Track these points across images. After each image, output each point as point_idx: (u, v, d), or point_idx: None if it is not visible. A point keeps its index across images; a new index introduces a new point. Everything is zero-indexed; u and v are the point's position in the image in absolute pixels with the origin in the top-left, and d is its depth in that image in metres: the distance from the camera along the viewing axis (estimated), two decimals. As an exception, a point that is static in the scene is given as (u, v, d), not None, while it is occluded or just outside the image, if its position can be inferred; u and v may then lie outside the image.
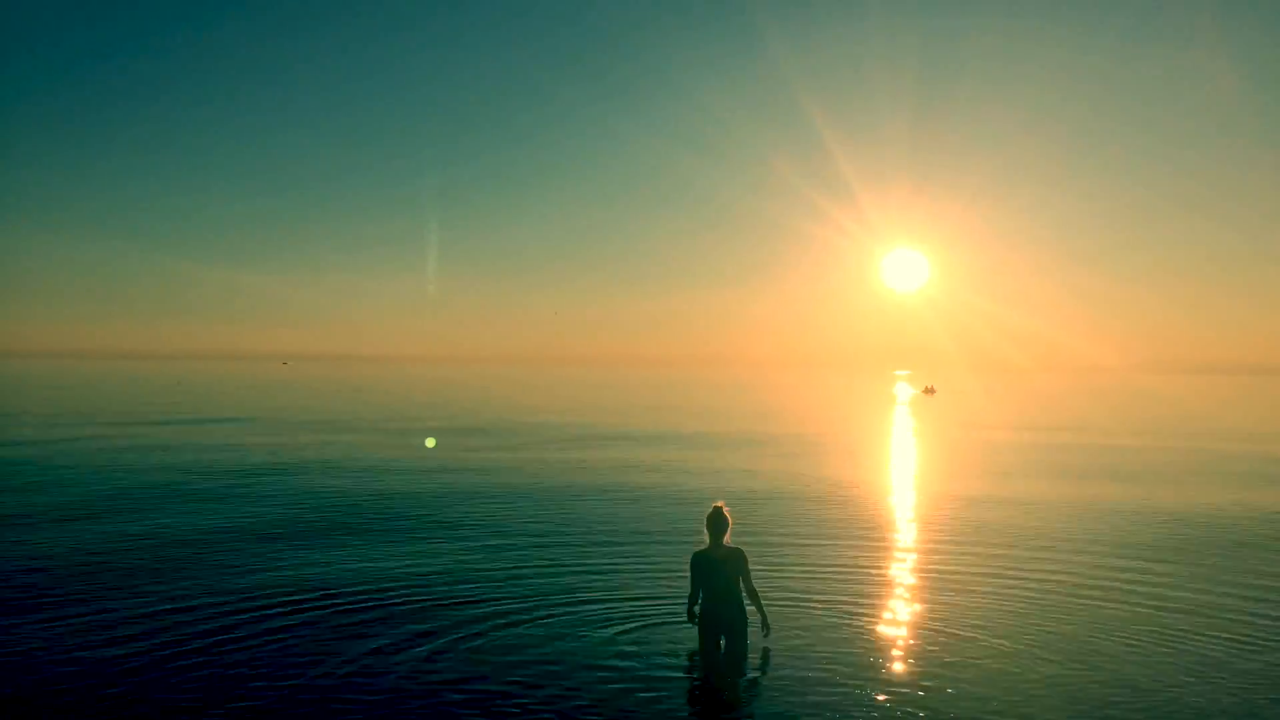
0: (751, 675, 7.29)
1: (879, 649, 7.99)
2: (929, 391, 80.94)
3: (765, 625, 7.65)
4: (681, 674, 7.34)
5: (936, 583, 10.45)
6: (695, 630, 7.69)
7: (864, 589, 10.12)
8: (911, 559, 11.85)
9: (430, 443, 27.99)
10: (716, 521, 7.44)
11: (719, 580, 7.35)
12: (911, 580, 10.63)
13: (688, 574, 7.65)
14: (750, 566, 7.62)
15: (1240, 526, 14.36)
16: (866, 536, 13.35)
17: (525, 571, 10.78)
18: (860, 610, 9.22)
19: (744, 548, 7.72)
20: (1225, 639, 8.27)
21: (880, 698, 6.83)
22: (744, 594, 7.55)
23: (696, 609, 7.59)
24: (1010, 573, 10.91)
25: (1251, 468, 23.65)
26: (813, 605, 9.34)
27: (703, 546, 7.56)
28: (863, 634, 8.43)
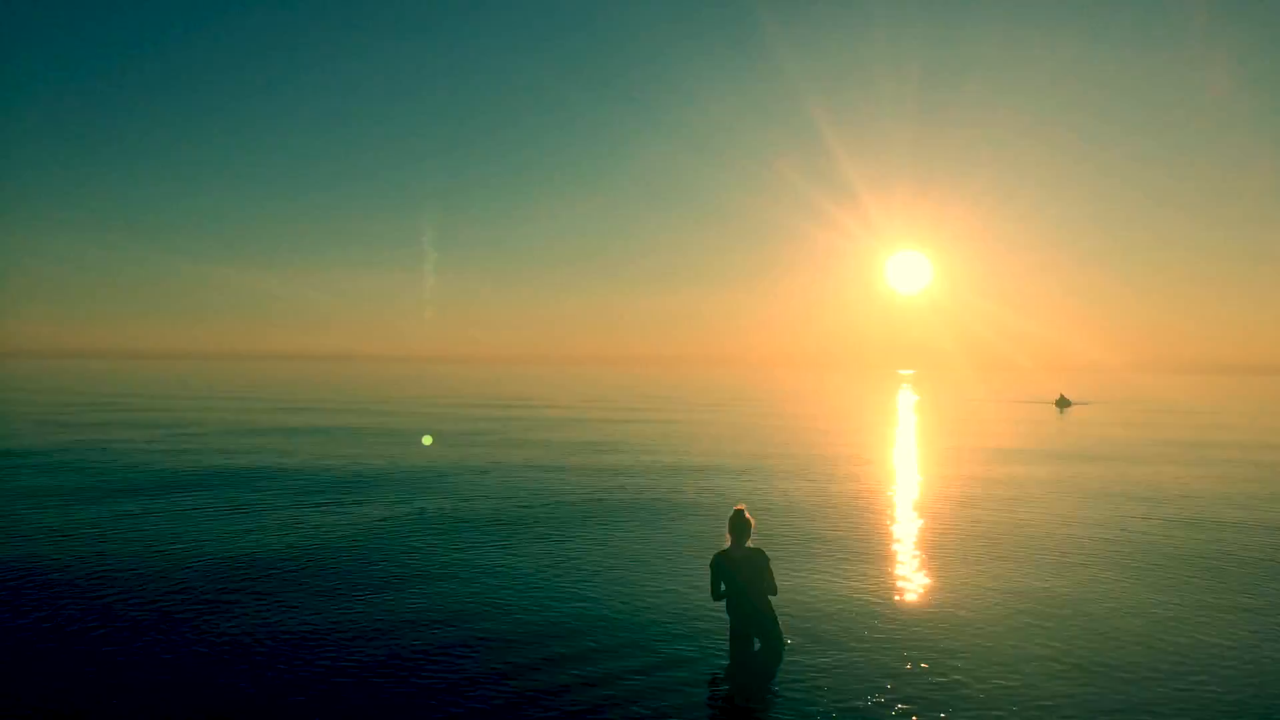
0: (785, 677, 7.03)
1: (926, 655, 7.68)
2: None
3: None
4: (711, 676, 7.09)
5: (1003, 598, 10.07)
6: (727, 632, 7.75)
7: (926, 597, 9.80)
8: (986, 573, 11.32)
9: (427, 440, 27.89)
10: (736, 524, 7.59)
11: (739, 582, 7.47)
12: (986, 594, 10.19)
13: (708, 575, 7.77)
14: (774, 569, 7.71)
15: None
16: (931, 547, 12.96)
17: (551, 566, 10.56)
18: (915, 618, 8.91)
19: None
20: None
21: (920, 704, 6.55)
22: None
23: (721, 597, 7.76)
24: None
25: None
26: (872, 610, 9.09)
27: (724, 548, 7.78)
28: (911, 640, 8.12)
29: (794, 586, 9.57)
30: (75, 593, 9.32)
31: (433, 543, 11.96)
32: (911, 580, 10.24)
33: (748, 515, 7.65)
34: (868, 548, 12.03)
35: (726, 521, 7.75)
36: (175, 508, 14.46)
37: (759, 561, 7.53)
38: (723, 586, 7.58)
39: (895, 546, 12.19)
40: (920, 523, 14.12)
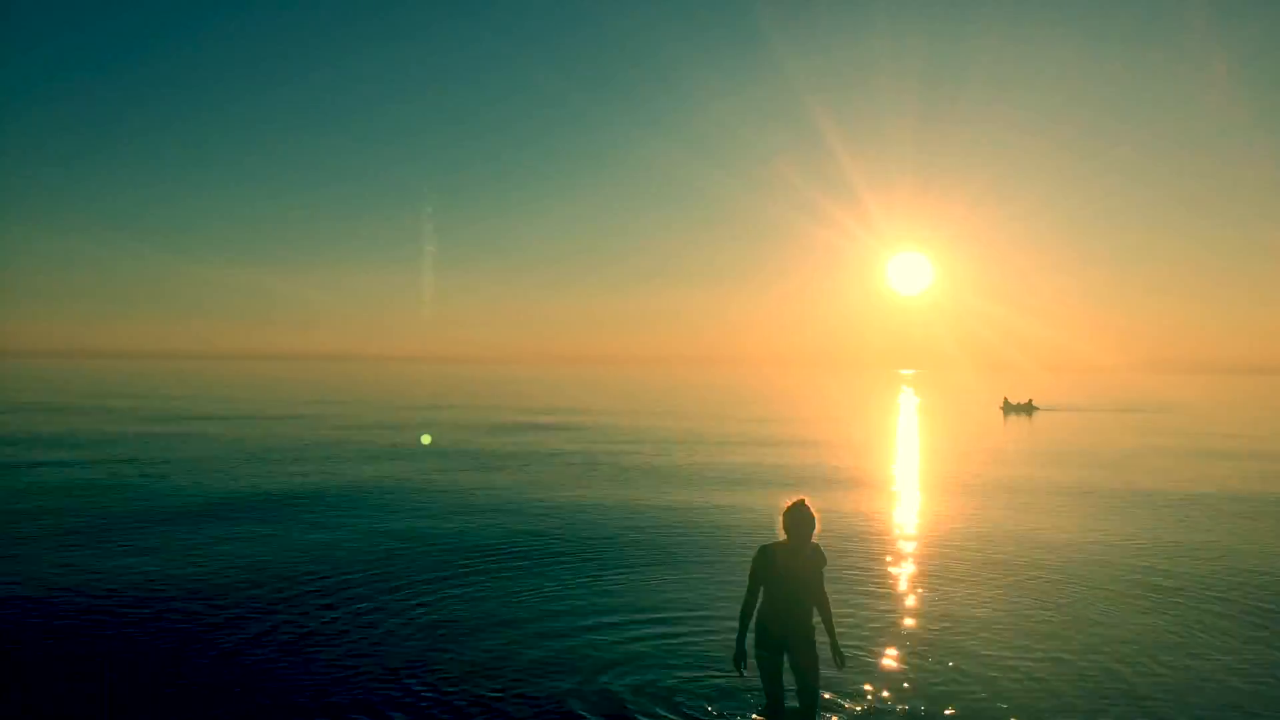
0: (819, 701, 6.37)
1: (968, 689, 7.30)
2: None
3: (837, 653, 6.01)
4: (735, 699, 6.64)
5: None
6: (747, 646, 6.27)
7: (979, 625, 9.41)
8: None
9: (426, 439, 27.70)
10: (796, 520, 5.87)
11: (789, 584, 5.89)
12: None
13: (749, 572, 6.03)
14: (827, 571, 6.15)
15: None
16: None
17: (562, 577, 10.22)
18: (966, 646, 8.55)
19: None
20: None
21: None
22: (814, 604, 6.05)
23: (750, 629, 6.03)
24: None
25: None
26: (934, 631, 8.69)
27: (776, 541, 6.07)
28: (953, 668, 7.75)
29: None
30: (78, 595, 9.01)
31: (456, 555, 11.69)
32: (903, 601, 9.89)
33: (811, 509, 5.91)
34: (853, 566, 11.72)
35: (781, 516, 5.96)
36: (170, 505, 14.17)
37: (817, 563, 5.98)
38: (761, 591, 6.03)
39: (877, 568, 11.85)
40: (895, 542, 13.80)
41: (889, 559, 11.43)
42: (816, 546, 5.99)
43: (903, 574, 10.66)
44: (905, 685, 7.01)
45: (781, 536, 5.95)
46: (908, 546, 12.25)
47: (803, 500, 5.95)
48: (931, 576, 10.48)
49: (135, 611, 8.62)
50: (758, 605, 6.00)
